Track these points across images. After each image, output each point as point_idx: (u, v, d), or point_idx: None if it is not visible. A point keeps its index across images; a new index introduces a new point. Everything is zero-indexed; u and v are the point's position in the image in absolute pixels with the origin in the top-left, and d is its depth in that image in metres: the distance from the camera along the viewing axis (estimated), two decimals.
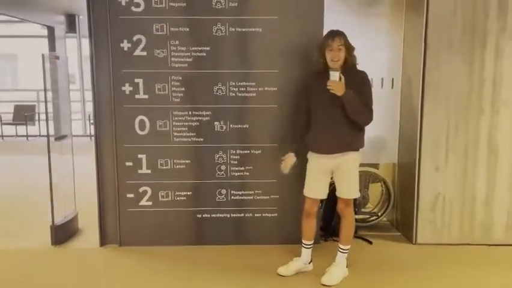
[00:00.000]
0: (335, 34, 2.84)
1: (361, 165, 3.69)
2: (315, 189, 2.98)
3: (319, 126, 2.93)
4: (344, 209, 2.98)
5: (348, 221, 3.00)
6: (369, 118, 2.85)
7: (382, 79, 3.99)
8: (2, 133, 9.72)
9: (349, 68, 2.85)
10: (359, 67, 2.93)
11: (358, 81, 2.84)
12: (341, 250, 3.01)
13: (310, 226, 3.05)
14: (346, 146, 2.87)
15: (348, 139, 2.87)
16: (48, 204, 3.52)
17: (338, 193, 2.97)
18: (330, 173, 2.96)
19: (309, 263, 3.12)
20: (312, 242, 3.09)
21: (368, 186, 3.98)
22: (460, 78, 3.41)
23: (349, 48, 2.85)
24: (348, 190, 2.94)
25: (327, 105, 2.84)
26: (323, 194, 3.00)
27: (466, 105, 3.44)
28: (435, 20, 3.36)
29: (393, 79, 3.87)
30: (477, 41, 3.38)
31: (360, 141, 2.94)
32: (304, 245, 3.08)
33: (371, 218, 3.99)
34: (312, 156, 2.99)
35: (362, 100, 2.80)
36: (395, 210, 3.95)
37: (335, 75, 2.74)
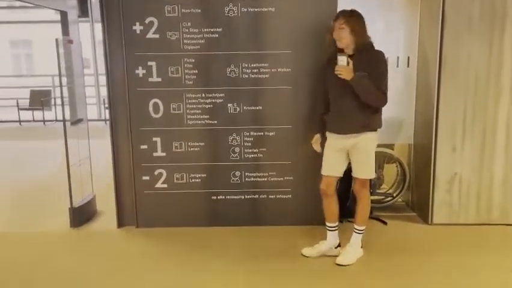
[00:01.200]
0: (338, 14, 2.83)
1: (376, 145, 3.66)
2: (330, 167, 2.98)
3: (335, 107, 2.92)
4: (359, 189, 2.97)
5: (363, 202, 2.99)
6: (381, 100, 2.81)
7: (398, 58, 3.92)
8: (19, 118, 9.88)
9: (363, 48, 2.80)
10: (377, 47, 2.87)
11: (372, 63, 2.79)
12: (356, 231, 3.01)
13: (331, 207, 3.03)
14: (361, 127, 2.85)
15: (363, 120, 2.84)
16: (67, 188, 3.59)
17: (354, 173, 2.96)
18: (346, 152, 2.95)
19: (337, 248, 3.07)
20: (335, 224, 3.05)
21: (383, 167, 3.96)
22: (478, 57, 3.33)
23: (355, 28, 2.77)
24: (364, 170, 2.93)
25: (340, 88, 2.82)
26: (338, 172, 2.99)
27: (484, 86, 3.36)
28: None
29: (409, 58, 3.80)
30: (496, 23, 3.28)
31: (376, 122, 2.91)
32: (329, 228, 3.06)
33: (386, 199, 3.98)
34: (329, 136, 3.00)
35: (375, 82, 2.75)
36: (411, 191, 3.92)
37: (342, 60, 2.73)
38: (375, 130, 2.92)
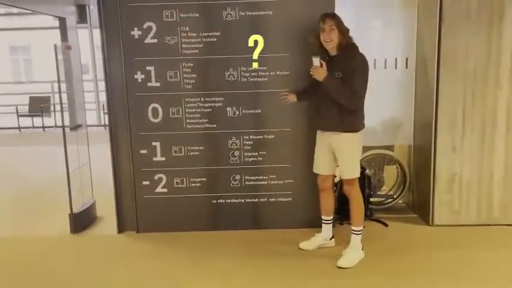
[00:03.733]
0: (326, 16, 2.89)
1: (376, 147, 3.67)
2: (320, 165, 3.11)
3: (317, 105, 3.04)
4: (348, 189, 3.01)
5: (355, 202, 3.02)
6: (351, 103, 2.86)
7: (396, 59, 3.91)
8: (18, 125, 9.88)
9: (347, 49, 2.87)
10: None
11: (352, 64, 2.84)
12: (354, 232, 3.02)
13: (326, 201, 3.16)
14: (337, 125, 2.92)
15: (337, 120, 2.91)
16: (67, 194, 3.58)
17: (340, 174, 3.03)
18: (331, 150, 3.01)
19: (331, 239, 3.20)
20: (331, 217, 3.19)
21: (383, 169, 3.95)
22: (476, 52, 3.32)
23: (342, 29, 2.86)
24: (346, 170, 2.97)
25: (320, 87, 2.91)
26: (329, 170, 3.09)
27: (483, 81, 3.36)
28: None
29: (407, 59, 3.80)
30: (494, 14, 3.28)
31: (353, 123, 2.94)
32: (324, 221, 3.18)
33: (387, 201, 3.97)
34: (317, 134, 3.10)
35: (348, 83, 2.80)
36: (411, 192, 3.92)
37: (316, 61, 2.83)
38: (356, 131, 2.94)
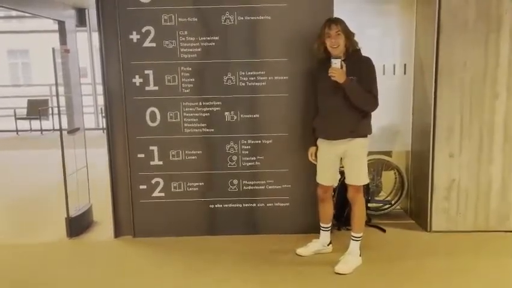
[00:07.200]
0: (332, 21, 2.88)
1: (374, 153, 3.67)
2: (325, 176, 3.05)
3: (324, 112, 2.96)
4: (353, 196, 2.98)
5: (359, 208, 3.00)
6: (373, 105, 2.86)
7: (394, 65, 3.93)
8: (16, 128, 9.86)
9: (352, 54, 2.87)
10: (367, 54, 2.92)
11: (362, 68, 2.85)
12: (354, 238, 3.01)
13: (326, 210, 3.15)
14: (350, 132, 2.88)
15: (352, 125, 2.88)
16: (63, 197, 3.56)
17: (347, 180, 2.99)
18: (338, 159, 2.98)
19: (328, 245, 3.19)
20: (329, 224, 3.18)
21: (381, 174, 3.95)
22: (474, 62, 3.34)
23: (348, 34, 2.86)
24: (357, 177, 2.95)
25: (331, 93, 2.87)
26: (333, 181, 3.08)
27: (481, 90, 3.36)
28: (449, 2, 3.28)
29: (405, 65, 3.81)
30: (492, 27, 3.30)
31: (366, 128, 2.93)
32: (323, 228, 3.18)
33: (385, 206, 3.96)
34: (321, 143, 3.03)
35: (366, 87, 2.81)
36: (409, 198, 3.91)
37: (336, 63, 2.77)
38: (366, 136, 2.94)
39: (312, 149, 3.11)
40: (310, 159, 3.12)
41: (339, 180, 3.34)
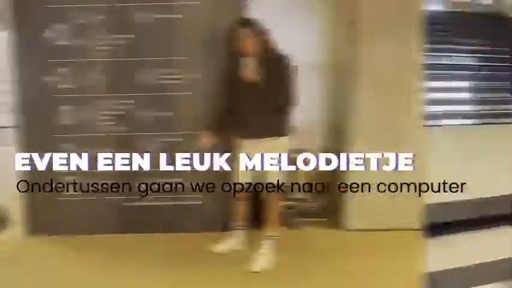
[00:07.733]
0: (242, 23, 2.87)
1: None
2: (244, 174, 3.05)
3: (240, 111, 2.95)
4: (274, 195, 3.01)
5: (276, 207, 3.03)
6: (287, 102, 2.87)
7: (306, 62, 3.91)
8: None
9: (268, 52, 2.86)
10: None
11: (278, 66, 2.85)
12: (268, 237, 3.04)
13: (243, 209, 3.17)
14: (267, 131, 2.89)
15: (270, 124, 2.89)
16: None
17: (269, 179, 2.99)
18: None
19: (242, 244, 3.20)
20: (243, 223, 3.20)
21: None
22: (388, 59, 3.36)
23: (260, 33, 2.85)
24: (279, 176, 2.97)
25: (245, 91, 2.87)
26: (252, 178, 3.07)
27: (393, 88, 3.40)
28: None
29: (318, 62, 3.82)
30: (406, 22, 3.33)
31: (284, 127, 2.95)
32: (237, 227, 3.20)
33: (299, 204, 3.93)
34: (241, 142, 3.03)
35: (282, 84, 2.82)
36: (324, 197, 3.90)
37: (247, 61, 2.78)
38: (284, 135, 2.95)
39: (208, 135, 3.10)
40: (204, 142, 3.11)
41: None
